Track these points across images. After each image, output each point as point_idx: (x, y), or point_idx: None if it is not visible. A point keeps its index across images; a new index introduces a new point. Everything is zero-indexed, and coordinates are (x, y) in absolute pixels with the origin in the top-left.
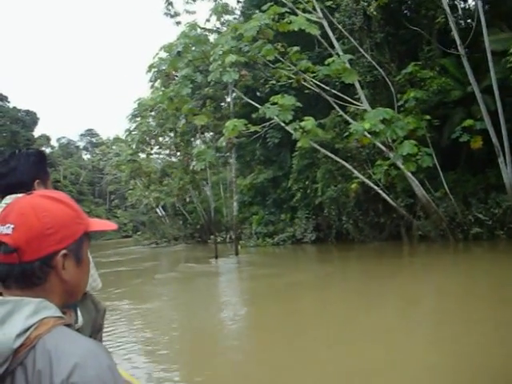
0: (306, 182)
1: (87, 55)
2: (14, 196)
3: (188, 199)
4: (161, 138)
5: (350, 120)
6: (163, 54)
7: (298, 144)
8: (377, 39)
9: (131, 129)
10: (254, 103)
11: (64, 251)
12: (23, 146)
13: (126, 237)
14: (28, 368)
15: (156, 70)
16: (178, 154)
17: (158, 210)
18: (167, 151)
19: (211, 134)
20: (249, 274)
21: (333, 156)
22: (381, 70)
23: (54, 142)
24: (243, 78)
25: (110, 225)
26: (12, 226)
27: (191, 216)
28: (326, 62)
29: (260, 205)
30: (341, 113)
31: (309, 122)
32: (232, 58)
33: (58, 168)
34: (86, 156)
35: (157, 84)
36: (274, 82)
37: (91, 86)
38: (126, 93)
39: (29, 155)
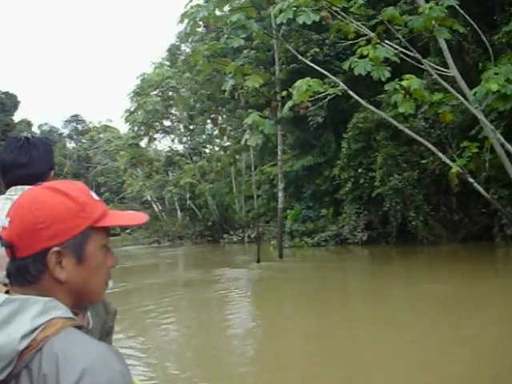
0: (359, 170)
1: (73, 35)
2: (20, 187)
3: (197, 191)
4: (166, 122)
5: (447, 86)
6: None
7: (400, 109)
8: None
9: (132, 109)
10: (317, 67)
11: (56, 248)
12: (1, 132)
13: (114, 235)
14: (33, 372)
15: (190, 19)
16: (186, 139)
17: (154, 205)
18: (171, 136)
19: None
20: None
21: (416, 136)
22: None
23: (35, 129)
24: (325, 20)
25: (137, 218)
26: (9, 219)
27: (201, 211)
28: (420, 10)
29: (294, 197)
30: (436, 77)
31: (413, 81)
32: None
33: None
34: (70, 145)
35: (162, 60)
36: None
37: (77, 68)
38: (116, 77)
39: (44, 143)
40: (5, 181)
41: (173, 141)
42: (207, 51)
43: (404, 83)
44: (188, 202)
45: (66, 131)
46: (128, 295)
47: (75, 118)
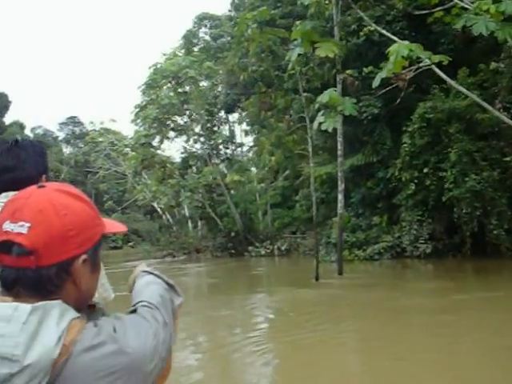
0: (424, 170)
1: (69, 33)
2: (11, 193)
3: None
4: (180, 120)
5: None
6: None
7: None
8: None
9: (142, 104)
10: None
11: (84, 256)
12: None
13: (115, 248)
14: (67, 380)
15: None
16: (204, 138)
17: (164, 216)
18: (186, 136)
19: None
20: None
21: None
22: None
23: (27, 132)
24: None
25: (121, 226)
26: (28, 224)
27: (223, 221)
28: None
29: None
30: None
31: None
32: None
33: None
34: (66, 149)
35: (175, 49)
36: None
37: (73, 67)
38: (116, 76)
39: (34, 145)
40: None
41: (187, 141)
42: (258, 17)
43: None
44: (207, 210)
45: (61, 135)
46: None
47: (72, 121)
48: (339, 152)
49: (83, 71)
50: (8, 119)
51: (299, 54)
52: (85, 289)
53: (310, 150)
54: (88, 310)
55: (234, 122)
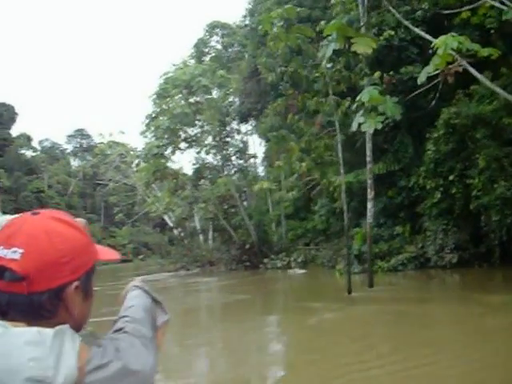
0: (450, 178)
1: (76, 46)
2: (6, 217)
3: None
4: (191, 131)
5: None
6: None
7: None
8: None
9: (154, 114)
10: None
11: (76, 283)
12: None
13: (126, 261)
14: None
15: None
16: (216, 149)
17: (175, 229)
18: (198, 147)
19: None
20: None
21: None
22: None
23: (35, 144)
24: None
25: (115, 254)
26: (21, 250)
27: (237, 233)
28: None
29: (357, 213)
30: None
31: None
32: None
33: (41, 175)
34: (74, 162)
35: (187, 58)
36: None
37: (80, 80)
38: (125, 89)
39: None
40: None
41: (199, 152)
42: (284, 15)
43: None
44: (221, 221)
45: (69, 147)
46: None
47: (79, 133)
48: (368, 158)
49: (91, 83)
50: (15, 131)
51: (334, 51)
52: (77, 315)
53: (340, 155)
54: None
55: (246, 133)
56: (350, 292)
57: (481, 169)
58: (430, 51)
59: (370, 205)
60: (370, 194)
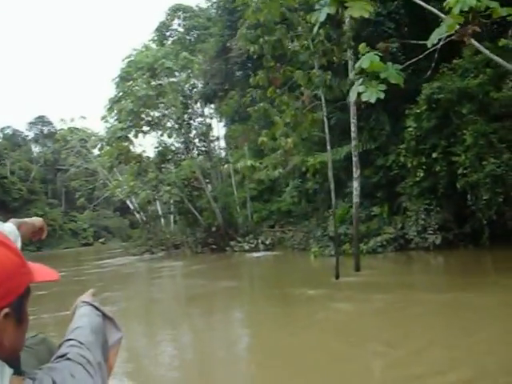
0: (433, 155)
1: (36, 30)
2: None
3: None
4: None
5: None
6: None
7: None
8: None
9: (117, 98)
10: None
11: (6, 310)
12: None
13: (87, 245)
14: None
15: None
16: (180, 132)
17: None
18: (160, 130)
19: None
20: None
21: None
22: None
23: None
24: None
25: (54, 274)
26: None
27: (202, 216)
28: None
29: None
30: None
31: None
32: None
33: (3, 162)
34: (36, 149)
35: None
36: None
37: (42, 66)
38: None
39: None
40: None
41: (162, 135)
42: None
43: None
44: (187, 204)
45: (30, 134)
46: None
47: (40, 120)
48: (353, 134)
49: (52, 69)
50: None
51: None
52: (8, 344)
53: (327, 131)
54: (31, 338)
55: (210, 115)
56: (337, 277)
57: (467, 145)
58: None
59: (356, 183)
60: (356, 172)
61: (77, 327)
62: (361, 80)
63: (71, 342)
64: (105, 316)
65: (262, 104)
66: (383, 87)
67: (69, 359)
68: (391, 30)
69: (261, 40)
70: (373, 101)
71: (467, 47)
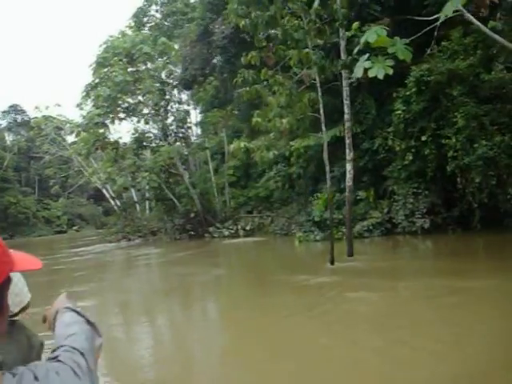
0: (422, 138)
1: (10, 18)
2: None
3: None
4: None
5: None
6: None
7: None
8: None
9: (93, 84)
10: None
11: None
12: None
13: (61, 232)
14: None
15: None
16: (158, 118)
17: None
18: (137, 117)
19: None
20: None
21: None
22: None
23: None
24: None
25: (37, 263)
26: None
27: (181, 202)
28: None
29: (315, 179)
30: None
31: None
32: None
33: None
34: (9, 137)
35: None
36: None
37: (15, 55)
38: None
39: None
40: None
41: (139, 121)
42: None
43: None
44: (165, 190)
45: (3, 123)
46: None
47: (13, 109)
48: (346, 116)
49: (26, 58)
50: None
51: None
52: None
53: (322, 111)
54: (10, 326)
55: (188, 101)
56: (332, 262)
57: (458, 128)
58: None
59: (349, 166)
60: (349, 155)
61: (71, 334)
62: (366, 55)
63: (65, 347)
64: (88, 322)
65: (255, 86)
66: (391, 62)
67: (59, 361)
68: (377, 13)
69: (253, 14)
70: (381, 77)
71: (455, 29)
